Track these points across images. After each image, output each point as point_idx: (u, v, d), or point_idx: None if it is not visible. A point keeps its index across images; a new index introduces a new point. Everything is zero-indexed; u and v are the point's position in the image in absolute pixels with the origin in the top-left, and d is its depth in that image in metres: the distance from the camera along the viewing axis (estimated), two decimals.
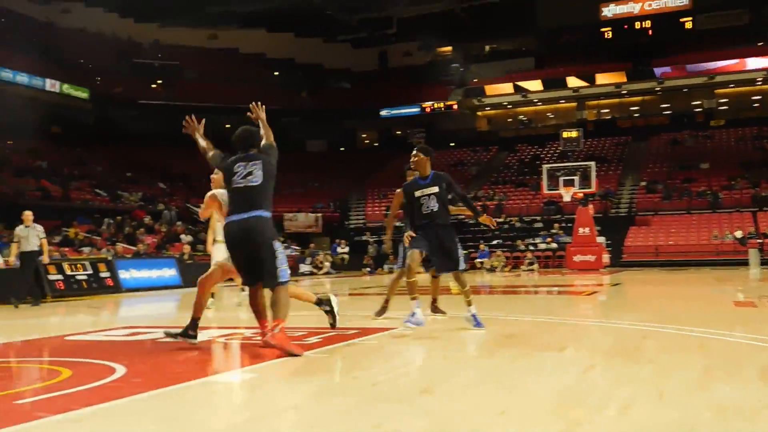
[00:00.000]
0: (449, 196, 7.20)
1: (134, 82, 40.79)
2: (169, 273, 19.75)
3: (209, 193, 6.78)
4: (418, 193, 7.14)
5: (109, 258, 19.58)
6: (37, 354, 6.81)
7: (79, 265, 17.09)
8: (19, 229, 13.48)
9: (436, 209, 7.04)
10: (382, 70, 47.45)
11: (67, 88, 35.42)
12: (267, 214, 5.83)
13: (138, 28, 43.78)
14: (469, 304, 7.15)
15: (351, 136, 46.33)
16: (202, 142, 6.34)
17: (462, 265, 7.19)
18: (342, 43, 46.63)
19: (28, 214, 13.50)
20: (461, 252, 7.25)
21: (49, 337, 8.18)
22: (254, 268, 5.74)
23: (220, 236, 8.55)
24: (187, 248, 23.16)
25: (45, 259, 13.90)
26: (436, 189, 7.08)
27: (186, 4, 41.29)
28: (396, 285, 8.67)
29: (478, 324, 7.03)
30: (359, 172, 42.51)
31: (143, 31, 43.85)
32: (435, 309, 8.74)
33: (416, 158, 7.24)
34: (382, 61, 47.96)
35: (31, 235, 13.41)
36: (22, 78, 33.05)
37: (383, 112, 43.89)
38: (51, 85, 34.52)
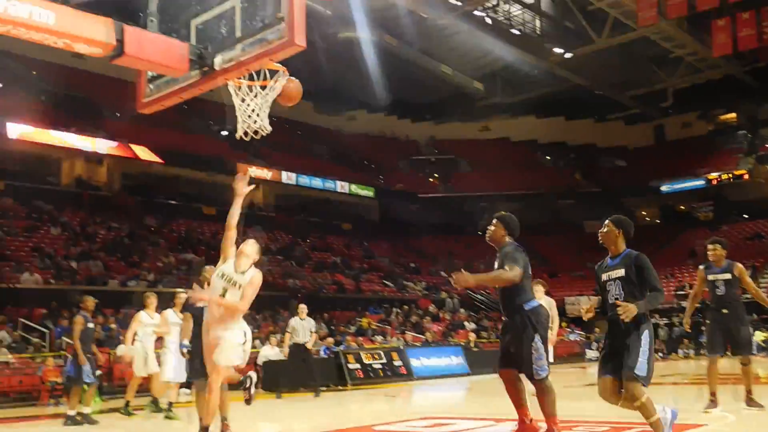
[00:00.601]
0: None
1: (413, 178, 43.18)
2: (457, 361, 20.11)
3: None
4: (604, 277, 5.71)
5: (401, 347, 20.49)
6: None
7: (375, 354, 18.06)
8: (294, 321, 13.97)
9: (621, 298, 5.44)
10: (659, 144, 45.51)
11: (354, 188, 38.42)
12: None
13: (415, 127, 46.74)
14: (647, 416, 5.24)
15: (630, 214, 44.34)
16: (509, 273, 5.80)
17: (642, 373, 5.24)
18: (614, 121, 45.72)
19: (303, 308, 14.05)
20: (646, 354, 5.33)
21: (357, 426, 8.63)
22: None
23: None
24: (472, 336, 23.49)
25: (312, 350, 14.37)
26: (621, 272, 5.62)
27: (458, 101, 43.40)
28: (714, 373, 8.07)
29: None
30: (642, 250, 40.10)
31: (419, 129, 46.69)
32: (750, 402, 7.95)
33: (605, 230, 5.90)
34: (659, 134, 46.04)
35: (304, 327, 13.87)
36: (317, 182, 36.46)
37: (664, 187, 41.76)
38: (341, 186, 37.65)
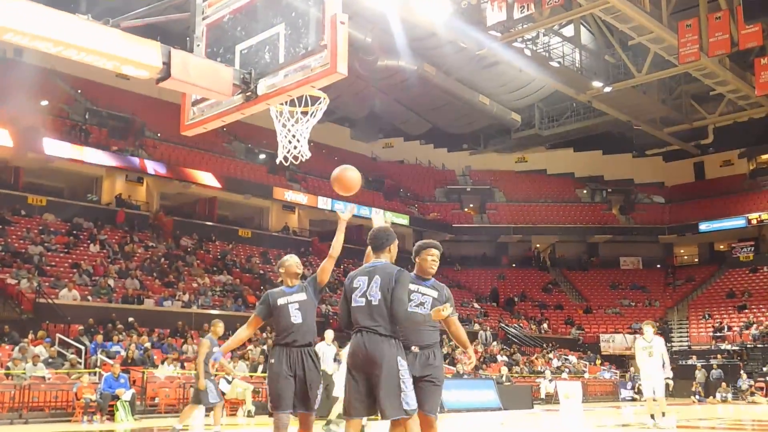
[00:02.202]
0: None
1: (448, 207, 43.10)
2: (488, 395, 19.84)
3: None
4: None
5: None
6: None
7: None
8: (321, 346, 13.51)
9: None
10: (698, 182, 44.94)
11: (389, 216, 38.39)
12: None
13: (451, 157, 46.80)
14: None
15: (668, 252, 43.95)
16: None
17: None
18: (652, 157, 45.31)
19: (329, 334, 13.78)
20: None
21: None
22: None
23: None
24: (504, 369, 23.21)
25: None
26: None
27: (495, 132, 43.41)
28: None
29: None
30: (679, 290, 39.99)
31: (455, 158, 46.73)
32: None
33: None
34: (698, 172, 45.46)
35: (332, 352, 13.54)
36: None
37: (703, 226, 41.01)
38: (375, 213, 37.65)
